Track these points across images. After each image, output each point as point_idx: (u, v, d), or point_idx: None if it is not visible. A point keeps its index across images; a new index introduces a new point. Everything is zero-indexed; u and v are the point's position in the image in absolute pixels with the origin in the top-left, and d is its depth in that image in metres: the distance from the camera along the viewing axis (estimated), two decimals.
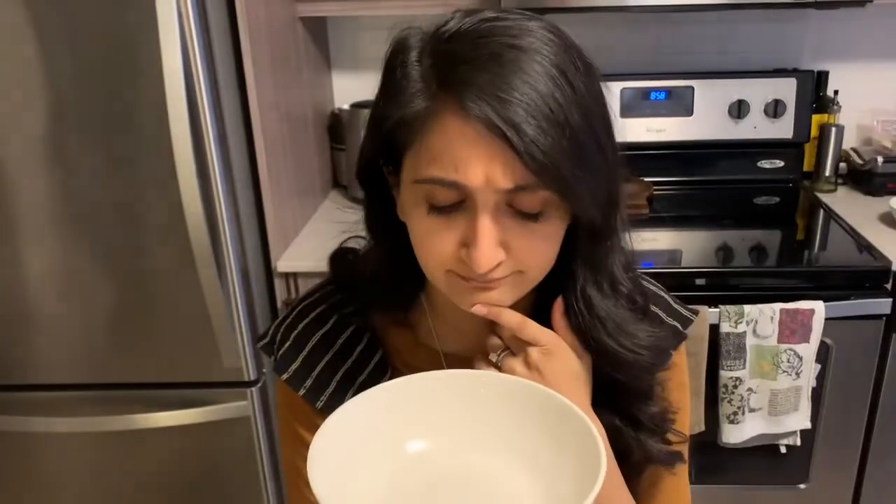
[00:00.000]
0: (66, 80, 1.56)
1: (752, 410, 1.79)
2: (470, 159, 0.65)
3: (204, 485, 1.92)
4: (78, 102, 1.57)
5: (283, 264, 1.85)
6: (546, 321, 0.78)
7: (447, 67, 0.66)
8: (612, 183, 0.72)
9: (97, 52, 1.54)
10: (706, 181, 2.29)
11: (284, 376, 0.84)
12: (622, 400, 0.80)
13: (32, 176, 1.63)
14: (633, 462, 0.80)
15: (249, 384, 1.79)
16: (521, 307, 0.77)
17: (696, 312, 0.91)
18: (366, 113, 2.08)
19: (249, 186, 1.79)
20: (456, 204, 0.68)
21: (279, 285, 1.87)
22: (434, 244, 0.70)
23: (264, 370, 1.82)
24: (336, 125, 2.29)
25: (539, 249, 0.71)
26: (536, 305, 0.81)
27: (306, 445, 0.82)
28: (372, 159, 0.76)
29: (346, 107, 2.25)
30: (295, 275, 1.86)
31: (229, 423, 1.80)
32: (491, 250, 0.67)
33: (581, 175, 0.66)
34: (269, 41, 1.80)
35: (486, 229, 0.67)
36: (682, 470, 0.90)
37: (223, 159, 1.62)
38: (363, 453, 0.66)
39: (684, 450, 0.88)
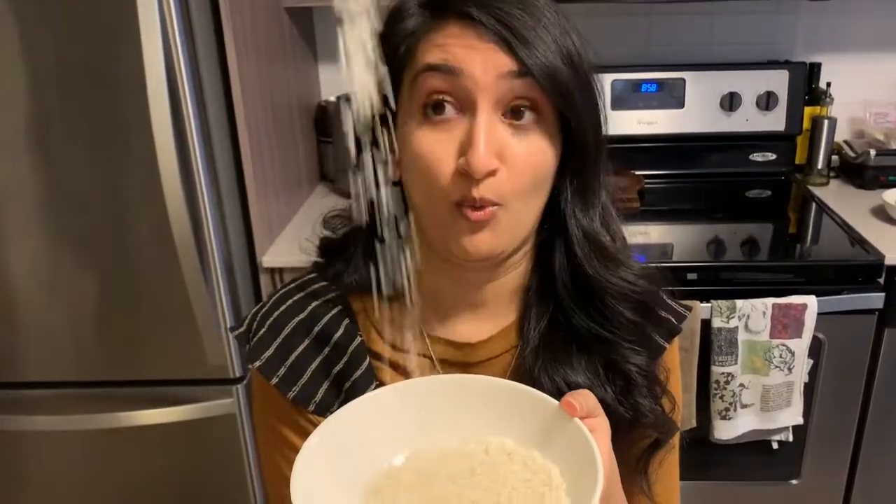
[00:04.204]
0: (47, 75, 1.54)
1: (743, 406, 1.77)
2: (469, 52, 0.68)
3: (190, 482, 1.91)
4: (59, 99, 1.55)
5: (268, 259, 1.82)
6: (544, 277, 0.80)
7: None
8: (599, 112, 0.75)
9: (78, 47, 1.52)
10: (698, 174, 2.28)
11: (257, 364, 0.81)
12: (610, 347, 0.79)
13: (14, 172, 1.61)
14: (623, 427, 0.78)
15: (234, 381, 1.77)
16: (510, 272, 0.79)
17: (689, 308, 0.90)
18: None
19: (234, 180, 1.76)
20: (453, 116, 0.69)
21: (264, 280, 1.85)
22: (434, 157, 0.70)
23: (249, 367, 1.79)
24: (323, 118, 2.26)
25: (534, 163, 0.71)
26: (537, 261, 0.82)
27: (282, 438, 0.80)
28: None
29: (332, 99, 2.22)
30: (281, 270, 1.83)
31: (215, 421, 1.78)
32: (488, 151, 0.68)
33: (577, 87, 0.70)
34: (253, 32, 1.77)
35: (484, 126, 0.68)
36: (675, 445, 0.89)
37: (206, 153, 1.60)
38: (346, 469, 0.63)
39: (676, 418, 0.87)
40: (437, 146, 0.69)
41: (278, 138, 1.94)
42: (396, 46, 0.71)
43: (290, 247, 1.88)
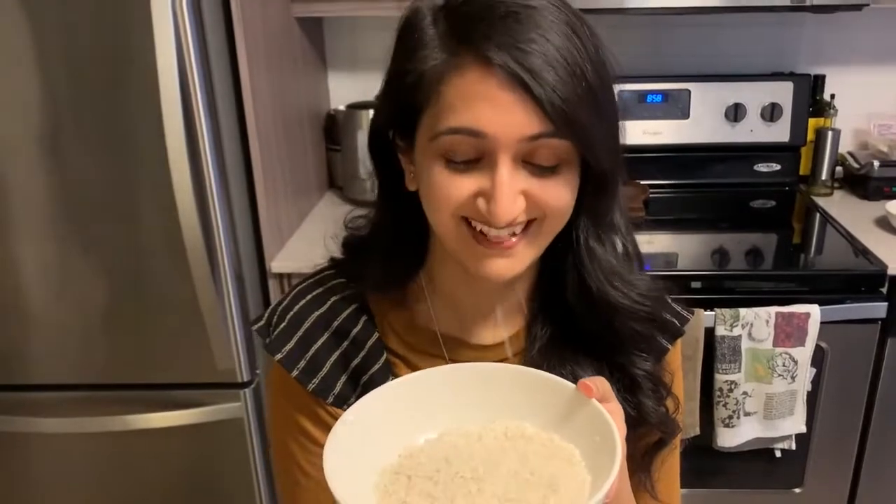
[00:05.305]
0: (61, 81, 1.55)
1: (747, 414, 1.78)
2: (491, 108, 0.67)
3: (197, 486, 1.91)
4: (73, 103, 1.57)
5: (277, 265, 1.84)
6: (548, 288, 0.82)
7: (464, 25, 0.69)
8: (617, 130, 0.75)
9: (92, 55, 1.54)
10: (702, 184, 2.29)
11: (278, 356, 0.82)
12: (618, 353, 0.82)
13: (26, 175, 1.62)
14: (627, 424, 0.80)
15: (242, 385, 1.78)
16: (526, 276, 0.81)
17: (691, 312, 0.92)
18: (361, 114, 2.09)
19: (244, 187, 1.78)
20: (474, 161, 0.70)
21: (273, 286, 1.86)
22: (449, 188, 0.70)
23: (258, 371, 1.81)
24: (332, 126, 2.28)
25: (557, 196, 0.72)
26: (540, 273, 0.84)
27: (298, 427, 0.82)
28: (384, 127, 0.78)
29: (341, 107, 2.24)
30: (289, 275, 1.85)
31: (222, 425, 1.79)
32: (511, 203, 0.69)
33: (596, 123, 0.69)
34: (264, 41, 1.79)
35: (506, 180, 0.68)
36: (677, 445, 0.91)
37: (217, 160, 1.62)
38: (372, 448, 0.66)
39: (679, 419, 0.89)
40: (454, 189, 0.70)
41: (288, 146, 1.96)
42: (416, 80, 0.70)
43: (298, 253, 1.90)
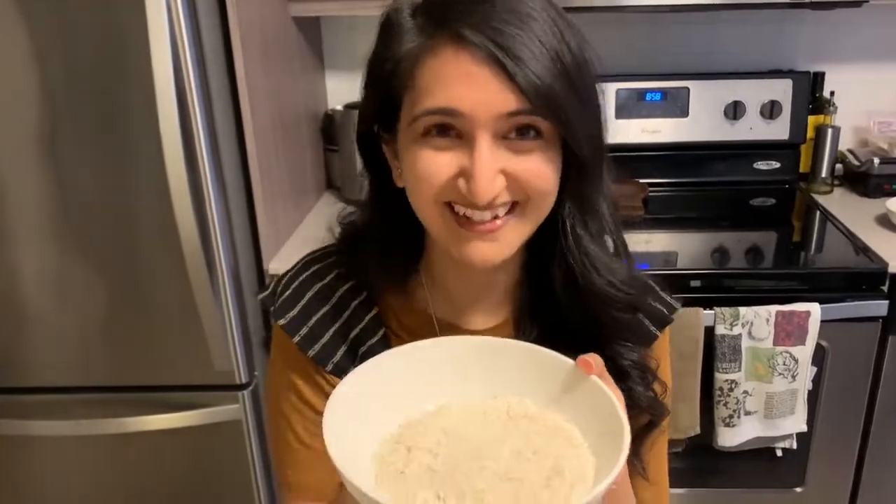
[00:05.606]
0: (57, 84, 1.55)
1: (747, 413, 1.78)
2: (465, 86, 0.67)
3: (195, 488, 1.91)
4: (69, 106, 1.56)
5: (274, 266, 1.83)
6: (535, 281, 0.83)
7: (439, 10, 0.70)
8: (598, 118, 0.75)
9: (88, 56, 1.53)
10: (702, 182, 2.29)
11: (281, 322, 0.85)
12: (605, 345, 0.82)
13: (23, 177, 1.62)
14: None
15: (241, 387, 1.77)
16: (511, 265, 0.82)
17: (679, 304, 0.93)
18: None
19: (241, 188, 1.77)
20: (454, 140, 0.70)
21: None
22: (429, 169, 0.71)
23: (256, 373, 1.80)
24: (329, 126, 2.27)
25: (538, 173, 0.72)
26: (527, 266, 0.85)
27: (296, 391, 0.85)
28: (369, 121, 0.79)
29: (339, 107, 2.24)
30: None
31: (220, 427, 1.79)
32: (490, 180, 0.69)
33: (574, 104, 0.69)
34: (261, 41, 1.79)
35: (485, 157, 0.69)
36: (665, 428, 0.92)
37: (214, 161, 1.61)
38: (372, 415, 0.65)
39: (668, 402, 0.90)
40: (434, 168, 0.71)
41: (286, 146, 1.96)
42: (394, 67, 0.72)
43: (296, 253, 1.87)
